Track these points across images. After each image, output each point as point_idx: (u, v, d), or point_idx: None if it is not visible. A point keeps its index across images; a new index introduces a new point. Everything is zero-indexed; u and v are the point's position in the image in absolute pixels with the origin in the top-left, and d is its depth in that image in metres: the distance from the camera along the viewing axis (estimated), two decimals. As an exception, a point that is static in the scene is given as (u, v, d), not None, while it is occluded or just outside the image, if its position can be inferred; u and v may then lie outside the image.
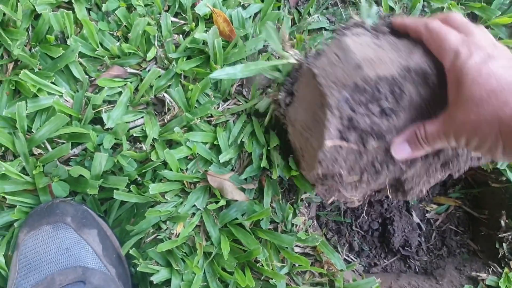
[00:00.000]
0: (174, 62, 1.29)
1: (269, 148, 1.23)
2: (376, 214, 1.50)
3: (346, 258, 1.41)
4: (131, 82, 1.28)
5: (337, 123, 0.89)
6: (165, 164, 1.25)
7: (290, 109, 1.14)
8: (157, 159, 1.22)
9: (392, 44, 0.90)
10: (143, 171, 1.24)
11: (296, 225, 1.29)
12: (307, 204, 1.38)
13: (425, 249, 1.47)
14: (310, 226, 1.35)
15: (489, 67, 0.64)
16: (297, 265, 1.22)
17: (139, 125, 1.28)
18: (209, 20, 1.35)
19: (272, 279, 1.18)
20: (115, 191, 1.17)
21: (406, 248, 1.47)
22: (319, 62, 0.98)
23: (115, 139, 1.22)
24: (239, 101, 1.34)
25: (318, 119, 0.96)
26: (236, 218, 1.25)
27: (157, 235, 1.21)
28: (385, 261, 1.45)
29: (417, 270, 1.44)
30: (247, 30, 1.32)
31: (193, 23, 1.32)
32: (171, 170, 1.23)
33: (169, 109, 1.28)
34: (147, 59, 1.30)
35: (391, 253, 1.48)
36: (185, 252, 1.21)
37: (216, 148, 1.28)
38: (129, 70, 1.34)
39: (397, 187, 1.08)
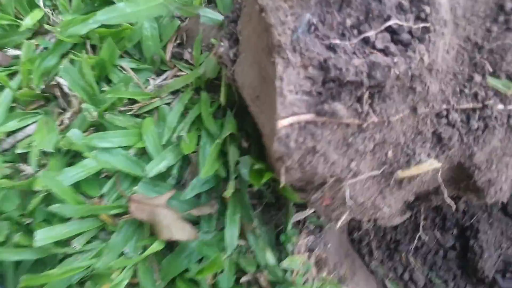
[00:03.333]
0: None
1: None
2: (448, 222, 1.18)
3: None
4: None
5: (296, 78, 0.64)
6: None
7: (237, 67, 0.86)
8: (43, 187, 0.93)
9: None
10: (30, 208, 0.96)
11: (292, 271, 0.91)
12: (311, 228, 0.86)
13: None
14: (320, 268, 0.83)
15: None
16: None
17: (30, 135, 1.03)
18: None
19: None
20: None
21: (507, 275, 1.11)
22: None
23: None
24: (180, 70, 1.06)
25: (266, 77, 0.71)
26: (187, 270, 0.94)
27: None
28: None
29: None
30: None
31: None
32: (64, 202, 0.94)
33: (69, 102, 1.01)
34: (27, 27, 1.05)
35: (481, 284, 1.14)
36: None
37: (145, 154, 0.99)
38: (12, 52, 1.08)
39: (462, 181, 0.79)
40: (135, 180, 0.97)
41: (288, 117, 0.64)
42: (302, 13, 0.64)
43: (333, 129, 0.67)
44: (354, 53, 0.64)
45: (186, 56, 1.04)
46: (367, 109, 0.66)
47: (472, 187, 0.77)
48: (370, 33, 0.63)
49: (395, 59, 0.62)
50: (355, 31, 0.65)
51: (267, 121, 0.72)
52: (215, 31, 1.00)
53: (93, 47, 1.05)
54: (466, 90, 0.70)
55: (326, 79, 0.64)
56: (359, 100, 0.66)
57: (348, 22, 0.65)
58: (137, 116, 1.01)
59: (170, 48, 1.05)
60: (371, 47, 0.64)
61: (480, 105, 0.70)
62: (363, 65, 0.62)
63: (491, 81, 0.68)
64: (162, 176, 0.97)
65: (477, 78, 0.69)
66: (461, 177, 0.77)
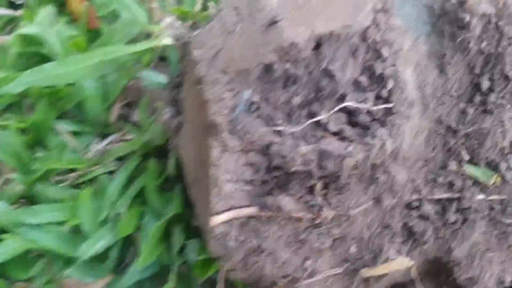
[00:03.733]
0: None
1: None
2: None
3: None
4: None
5: (235, 165, 0.57)
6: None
7: (180, 139, 0.76)
8: None
9: None
10: None
11: None
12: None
13: None
14: None
15: None
16: None
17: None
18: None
19: None
20: None
21: None
22: (206, 33, 0.64)
23: None
24: (128, 133, 0.96)
25: (204, 160, 0.61)
26: None
27: None
28: None
29: None
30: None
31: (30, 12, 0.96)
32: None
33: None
34: None
35: None
36: None
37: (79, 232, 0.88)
38: None
39: (441, 275, 0.67)
40: (68, 261, 0.86)
41: (225, 211, 0.54)
42: (242, 89, 0.55)
43: (281, 224, 0.57)
44: (303, 137, 0.55)
45: (135, 117, 0.94)
46: (321, 202, 0.56)
47: (452, 284, 0.66)
48: (322, 116, 0.54)
49: (349, 148, 0.52)
50: (304, 111, 0.56)
51: (204, 212, 0.62)
52: (166, 92, 0.90)
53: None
54: (440, 179, 0.60)
55: (271, 166, 0.55)
56: (310, 191, 0.56)
57: (295, 100, 0.56)
58: (75, 186, 0.90)
59: (116, 108, 0.95)
60: (323, 130, 0.55)
61: (457, 195, 0.60)
62: (312, 153, 0.52)
63: (468, 169, 0.58)
64: (99, 258, 0.85)
65: (452, 165, 0.59)
66: (440, 271, 0.66)
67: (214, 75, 0.57)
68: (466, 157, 0.59)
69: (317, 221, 0.57)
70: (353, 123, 0.56)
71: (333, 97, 0.56)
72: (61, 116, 0.93)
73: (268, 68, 0.55)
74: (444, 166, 0.60)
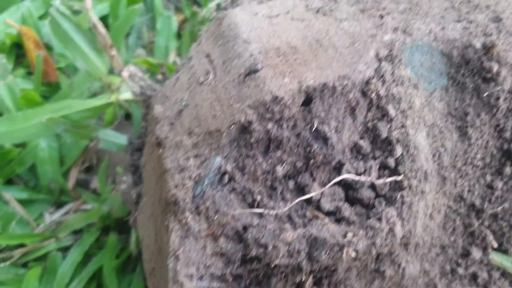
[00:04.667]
0: None
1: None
2: None
3: None
4: None
5: (200, 255, 0.44)
6: None
7: (139, 214, 0.62)
8: None
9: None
10: None
11: None
12: None
13: None
14: None
15: None
16: None
17: None
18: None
19: None
20: None
21: None
22: (170, 85, 0.55)
23: None
24: (86, 202, 0.84)
25: (162, 247, 0.50)
26: None
27: None
28: None
29: None
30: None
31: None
32: None
33: None
34: None
35: None
36: None
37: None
38: None
39: None
40: None
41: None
42: (211, 155, 0.44)
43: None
44: (288, 218, 0.43)
45: (95, 184, 0.83)
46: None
47: None
48: (313, 192, 0.42)
49: (349, 235, 0.40)
50: (291, 184, 0.44)
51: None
52: (126, 155, 0.79)
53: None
54: (460, 270, 0.48)
55: (247, 256, 0.42)
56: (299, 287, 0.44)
57: (280, 170, 0.44)
58: (22, 265, 0.78)
59: (74, 174, 0.84)
60: (315, 208, 0.43)
61: (482, 291, 0.48)
62: (300, 241, 0.40)
63: (496, 258, 0.46)
64: None
65: (476, 253, 0.47)
66: None
67: (177, 137, 0.46)
68: (493, 243, 0.47)
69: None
70: (352, 200, 0.44)
71: (327, 167, 0.44)
72: (9, 182, 0.83)
73: (244, 129, 0.43)
74: (465, 254, 0.48)
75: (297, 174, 0.44)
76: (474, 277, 0.48)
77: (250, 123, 0.42)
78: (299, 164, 0.44)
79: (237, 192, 0.43)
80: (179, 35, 0.94)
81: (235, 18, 0.50)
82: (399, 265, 0.44)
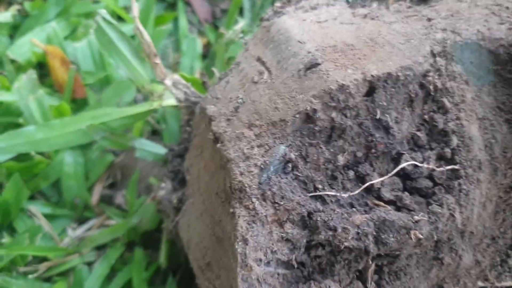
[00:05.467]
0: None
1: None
2: None
3: None
4: None
5: (267, 240, 0.45)
6: None
7: (182, 218, 0.63)
8: None
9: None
10: None
11: None
12: None
13: None
14: None
15: None
16: None
17: None
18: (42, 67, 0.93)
19: None
20: None
21: None
22: (221, 88, 0.57)
23: None
24: (110, 218, 0.85)
25: (222, 237, 0.51)
26: None
27: None
28: None
29: None
30: (105, 71, 0.89)
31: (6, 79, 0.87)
32: None
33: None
34: None
35: None
36: None
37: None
38: None
39: None
40: None
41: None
42: (275, 144, 0.46)
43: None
44: (351, 205, 0.45)
45: (119, 200, 0.84)
46: (374, 292, 0.45)
47: None
48: (375, 181, 0.44)
49: (416, 217, 0.42)
50: (351, 173, 0.46)
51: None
52: (158, 169, 0.80)
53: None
54: (510, 261, 0.50)
55: (312, 242, 0.44)
56: (360, 276, 0.45)
57: (341, 159, 0.46)
58: (46, 279, 0.78)
59: (98, 189, 0.85)
60: (376, 197, 0.45)
61: (531, 283, 0.50)
62: (368, 224, 0.42)
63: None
64: None
65: None
66: None
67: (236, 130, 0.48)
68: None
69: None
70: (410, 190, 0.47)
71: (386, 157, 0.46)
72: (34, 196, 0.83)
73: (308, 118, 0.45)
74: None
75: (357, 164, 0.46)
76: None
77: (315, 111, 0.44)
78: (359, 154, 0.46)
79: (299, 180, 0.45)
80: (203, 57, 0.97)
81: (284, 24, 0.53)
82: (456, 253, 0.46)
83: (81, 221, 0.84)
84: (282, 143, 0.45)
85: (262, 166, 0.45)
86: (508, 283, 0.50)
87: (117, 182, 0.86)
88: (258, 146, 0.46)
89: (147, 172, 0.83)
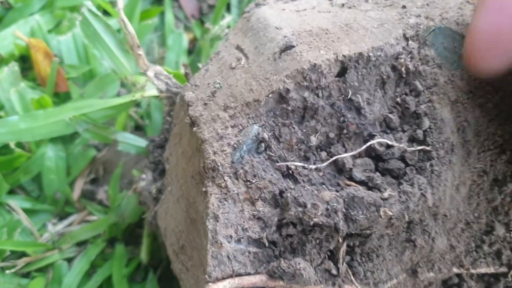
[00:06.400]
0: None
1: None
2: None
3: None
4: None
5: (239, 217, 0.46)
6: None
7: (160, 208, 0.64)
8: None
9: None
10: None
11: None
12: None
13: None
14: None
15: None
16: None
17: None
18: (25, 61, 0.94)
19: None
20: None
21: None
22: (200, 75, 0.58)
23: None
24: (92, 213, 0.85)
25: (196, 217, 0.52)
26: None
27: None
28: None
29: None
30: (89, 65, 0.90)
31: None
32: None
33: None
34: None
35: None
36: None
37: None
38: None
39: None
40: None
41: (226, 279, 0.43)
42: (249, 124, 0.47)
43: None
44: (323, 184, 0.46)
45: (101, 195, 0.84)
46: (345, 270, 0.46)
47: None
48: (346, 158, 0.45)
49: (385, 194, 0.43)
50: (323, 154, 0.47)
51: (195, 285, 0.50)
52: (141, 164, 0.81)
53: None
54: (485, 247, 0.50)
55: (283, 221, 0.45)
56: (332, 257, 0.46)
57: (314, 140, 0.47)
58: (25, 275, 0.78)
59: (80, 184, 0.85)
60: (347, 178, 0.46)
61: (505, 269, 0.50)
62: (337, 200, 0.43)
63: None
64: None
65: (499, 229, 0.50)
66: None
67: (212, 113, 0.49)
68: None
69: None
70: (383, 172, 0.47)
71: (359, 139, 0.47)
72: (14, 191, 0.83)
73: (282, 98, 0.47)
74: (489, 230, 0.50)
75: (330, 145, 0.47)
76: (498, 254, 0.51)
77: (287, 91, 0.46)
78: (332, 135, 0.47)
79: (272, 160, 0.46)
80: (189, 52, 0.98)
81: (263, 13, 0.55)
82: (429, 235, 0.47)
83: (61, 216, 0.84)
84: (256, 123, 0.46)
85: (235, 145, 0.46)
86: (483, 269, 0.50)
87: (99, 178, 0.86)
88: (232, 127, 0.47)
89: (130, 167, 0.84)
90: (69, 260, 0.79)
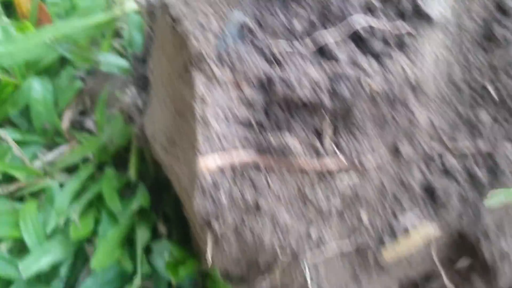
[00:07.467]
0: None
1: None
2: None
3: None
4: None
5: (226, 100, 0.49)
6: None
7: (146, 117, 0.68)
8: None
9: None
10: None
11: None
12: None
13: None
14: None
15: None
16: None
17: None
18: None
19: None
20: None
21: None
22: None
23: None
24: (81, 143, 0.87)
25: (183, 108, 0.55)
26: None
27: None
28: None
29: None
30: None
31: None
32: None
33: None
34: None
35: None
36: None
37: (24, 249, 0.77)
38: None
39: (463, 260, 0.60)
40: (8, 284, 0.75)
41: (215, 154, 0.47)
42: (232, 11, 0.50)
43: (283, 176, 0.49)
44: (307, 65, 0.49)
45: (89, 125, 0.86)
46: (330, 146, 0.50)
47: (477, 267, 0.59)
48: (329, 40, 0.49)
49: (367, 67, 0.47)
50: (307, 40, 0.50)
51: (187, 171, 0.54)
52: (126, 78, 0.83)
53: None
54: (465, 127, 0.55)
55: (270, 102, 0.48)
56: (317, 133, 0.50)
57: (297, 25, 0.49)
58: (16, 199, 0.81)
59: (68, 115, 0.87)
60: (331, 59, 0.50)
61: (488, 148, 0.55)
62: (322, 77, 0.47)
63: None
64: (47, 277, 0.75)
65: (480, 110, 0.54)
66: (461, 253, 0.59)
67: (194, 8, 0.51)
68: (495, 97, 0.53)
69: (326, 171, 0.50)
70: (365, 52, 0.50)
71: (342, 21, 0.50)
72: (2, 125, 0.85)
73: None
74: (470, 109, 0.54)
75: (313, 29, 0.50)
76: (478, 132, 0.54)
77: None
78: (315, 19, 0.50)
79: (256, 46, 0.49)
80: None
81: None
82: (410, 111, 0.50)
83: (51, 147, 0.86)
84: (238, 10, 0.49)
85: (218, 33, 0.48)
86: (461, 145, 0.54)
87: (87, 109, 0.88)
88: (213, 15, 0.49)
89: (115, 97, 0.86)
90: (61, 186, 0.81)
